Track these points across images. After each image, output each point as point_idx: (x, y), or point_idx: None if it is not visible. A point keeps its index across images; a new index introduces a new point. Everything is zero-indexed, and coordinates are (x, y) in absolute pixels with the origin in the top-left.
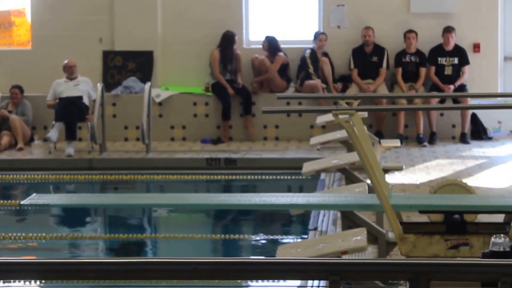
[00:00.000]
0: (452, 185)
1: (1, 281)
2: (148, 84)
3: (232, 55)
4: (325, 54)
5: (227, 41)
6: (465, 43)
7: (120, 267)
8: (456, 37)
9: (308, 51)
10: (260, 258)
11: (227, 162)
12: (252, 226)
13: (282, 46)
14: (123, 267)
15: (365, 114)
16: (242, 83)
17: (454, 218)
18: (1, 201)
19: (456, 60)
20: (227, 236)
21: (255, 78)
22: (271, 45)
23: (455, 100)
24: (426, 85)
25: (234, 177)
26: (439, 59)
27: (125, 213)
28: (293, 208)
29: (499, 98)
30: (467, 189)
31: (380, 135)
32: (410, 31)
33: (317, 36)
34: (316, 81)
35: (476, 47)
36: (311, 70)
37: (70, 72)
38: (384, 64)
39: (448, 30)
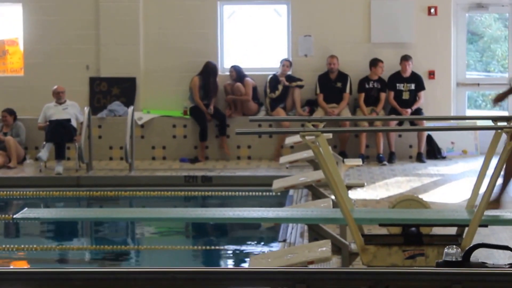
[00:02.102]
0: (409, 200)
1: None
2: (131, 108)
3: (214, 84)
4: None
5: (209, 71)
6: (421, 70)
7: (105, 276)
8: (413, 65)
9: (269, 76)
10: (234, 267)
11: (203, 179)
12: (227, 238)
13: (254, 73)
14: (107, 276)
15: (330, 135)
16: (216, 107)
17: (411, 231)
18: None
19: (413, 86)
20: (203, 247)
21: (231, 96)
22: (238, 72)
23: (412, 123)
24: (386, 108)
25: (210, 193)
26: (397, 85)
27: (110, 226)
28: (264, 221)
29: (452, 121)
30: (423, 204)
31: (343, 154)
32: (380, 60)
33: (282, 62)
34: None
35: (431, 74)
36: (268, 92)
37: (59, 97)
38: (347, 89)
39: (405, 58)
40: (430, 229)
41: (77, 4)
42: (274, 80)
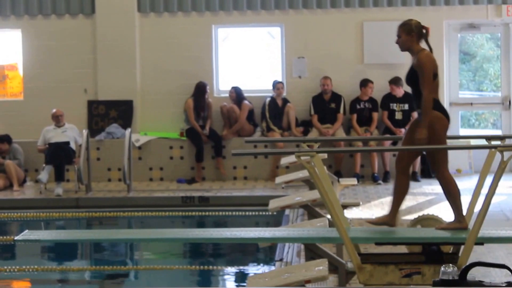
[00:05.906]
0: (429, 219)
1: None
2: (128, 130)
3: (204, 103)
4: (288, 101)
5: (200, 90)
6: None
7: None
8: (405, 85)
9: (268, 99)
10: (232, 287)
11: (200, 200)
12: (224, 258)
13: (249, 94)
14: None
15: (325, 155)
16: (212, 128)
17: (431, 249)
18: None
19: (406, 106)
20: (201, 267)
21: (230, 130)
22: (238, 94)
23: None
24: (380, 128)
25: (207, 213)
26: (390, 105)
27: (109, 247)
28: (261, 241)
29: None
30: (441, 222)
31: (338, 174)
32: (370, 81)
33: (274, 85)
34: (276, 133)
35: None
36: (267, 117)
37: (58, 120)
38: (341, 110)
39: (394, 82)
40: (450, 247)
41: (75, 29)
42: (274, 104)
